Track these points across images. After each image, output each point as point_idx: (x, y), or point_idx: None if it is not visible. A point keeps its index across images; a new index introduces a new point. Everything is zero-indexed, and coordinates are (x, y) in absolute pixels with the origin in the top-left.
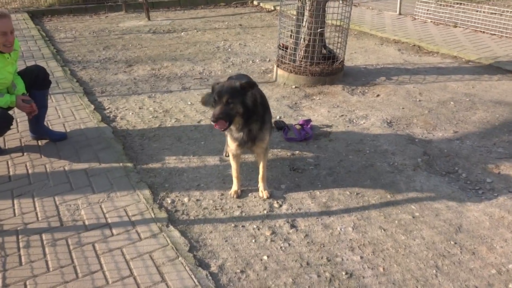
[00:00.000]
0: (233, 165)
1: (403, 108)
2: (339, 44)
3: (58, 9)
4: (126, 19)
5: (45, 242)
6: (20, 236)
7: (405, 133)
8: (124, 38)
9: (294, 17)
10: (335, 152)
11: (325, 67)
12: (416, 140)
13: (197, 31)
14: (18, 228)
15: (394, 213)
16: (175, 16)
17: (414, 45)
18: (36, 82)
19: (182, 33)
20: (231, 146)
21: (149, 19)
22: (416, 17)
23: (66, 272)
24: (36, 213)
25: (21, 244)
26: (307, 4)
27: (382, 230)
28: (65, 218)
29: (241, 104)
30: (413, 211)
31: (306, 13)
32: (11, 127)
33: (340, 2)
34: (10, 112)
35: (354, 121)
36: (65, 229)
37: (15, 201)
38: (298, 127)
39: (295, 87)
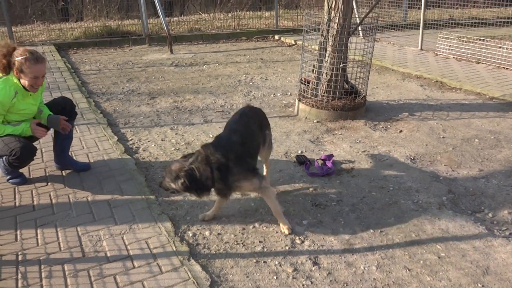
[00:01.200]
0: None
1: (426, 145)
2: (361, 79)
3: (84, 42)
4: (150, 52)
5: (67, 273)
6: (42, 266)
7: (429, 170)
8: (147, 70)
9: (316, 52)
10: (358, 188)
11: (347, 102)
12: (441, 177)
13: (219, 65)
14: (41, 258)
15: (419, 253)
16: (197, 50)
17: (437, 81)
18: (62, 113)
19: (204, 67)
20: None
21: (172, 52)
22: (438, 53)
23: None
24: (59, 243)
25: (43, 274)
26: (329, 40)
27: (407, 270)
28: (87, 249)
29: None
30: (439, 251)
31: (329, 48)
32: (35, 157)
33: (361, 36)
34: (36, 143)
35: (377, 157)
36: (87, 260)
37: (39, 231)
38: (320, 162)
39: (317, 122)
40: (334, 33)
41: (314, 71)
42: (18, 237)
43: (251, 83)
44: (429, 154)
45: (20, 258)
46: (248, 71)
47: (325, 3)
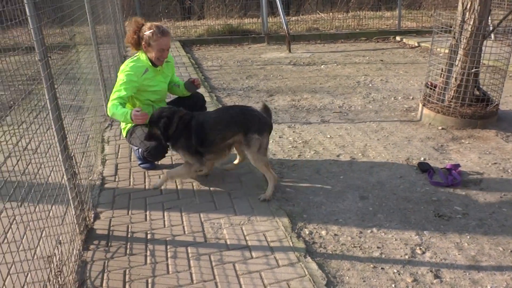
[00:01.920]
0: None
1: None
2: (494, 86)
3: (206, 39)
4: (268, 50)
5: (190, 255)
6: (168, 247)
7: None
8: (266, 68)
9: (445, 55)
10: (487, 203)
11: (477, 110)
12: None
13: (337, 65)
14: (167, 239)
15: None
16: (315, 49)
17: None
18: (193, 108)
19: (322, 66)
20: None
21: (290, 51)
22: None
23: (208, 287)
24: (183, 227)
25: (169, 254)
26: (462, 42)
27: None
28: (208, 235)
29: None
30: None
31: (460, 51)
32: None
33: (492, 40)
34: None
35: (510, 170)
36: (209, 246)
37: (165, 213)
38: (444, 171)
39: (442, 129)
40: (468, 35)
41: (442, 75)
42: (148, 218)
43: (370, 85)
44: None
45: (149, 236)
46: (368, 73)
47: (460, 3)
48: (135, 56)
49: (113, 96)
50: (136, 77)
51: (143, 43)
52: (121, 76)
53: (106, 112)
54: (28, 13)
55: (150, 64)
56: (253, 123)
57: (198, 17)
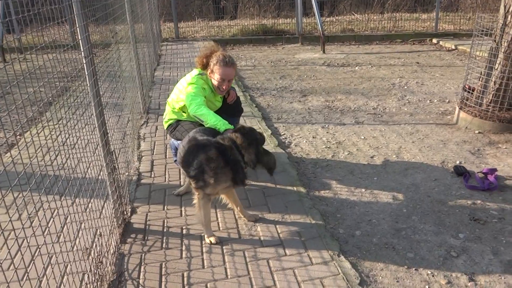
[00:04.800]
0: (207, 207)
1: None
2: None
3: (240, 39)
4: (302, 51)
5: (224, 251)
6: (203, 242)
7: None
8: (300, 69)
9: (484, 58)
10: None
11: None
12: None
13: (371, 67)
14: (202, 234)
15: None
16: (349, 51)
17: None
18: (227, 110)
19: (356, 68)
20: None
21: (324, 52)
22: None
23: (243, 282)
24: (218, 223)
25: (204, 249)
26: (502, 46)
27: None
28: (242, 232)
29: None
30: None
31: (501, 54)
32: None
33: None
34: None
35: None
36: (243, 242)
37: None
38: (481, 175)
39: (479, 133)
40: (509, 39)
41: (481, 78)
42: (183, 213)
43: (405, 87)
44: None
45: (184, 232)
46: (403, 75)
47: (501, 6)
48: (205, 74)
49: (196, 101)
50: (199, 89)
51: (209, 69)
52: (190, 88)
53: (190, 110)
54: (75, 12)
55: (211, 87)
56: None
57: (232, 17)
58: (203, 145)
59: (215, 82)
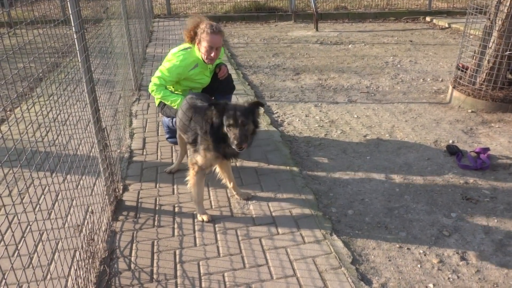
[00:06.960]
0: (200, 184)
1: None
2: None
3: (233, 16)
4: (295, 28)
5: (217, 229)
6: (195, 220)
7: None
8: (292, 46)
9: (477, 37)
10: None
11: (509, 93)
12: None
13: (365, 45)
14: (194, 212)
15: None
16: (342, 28)
17: None
18: (219, 87)
19: (350, 46)
20: (208, 159)
21: (317, 30)
22: None
23: (235, 261)
24: (210, 201)
25: (196, 227)
26: (496, 24)
27: None
28: (235, 210)
29: (253, 123)
30: None
31: (495, 33)
32: None
33: None
34: None
35: None
36: (235, 220)
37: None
38: (473, 154)
39: (471, 112)
40: (503, 17)
41: (474, 57)
42: (175, 191)
43: (399, 66)
44: None
45: (176, 210)
46: (396, 53)
47: None
48: (189, 47)
49: (158, 74)
50: (183, 70)
51: (197, 38)
52: (169, 64)
53: (149, 89)
54: None
55: (201, 60)
56: None
57: None
58: (201, 107)
59: (203, 50)
